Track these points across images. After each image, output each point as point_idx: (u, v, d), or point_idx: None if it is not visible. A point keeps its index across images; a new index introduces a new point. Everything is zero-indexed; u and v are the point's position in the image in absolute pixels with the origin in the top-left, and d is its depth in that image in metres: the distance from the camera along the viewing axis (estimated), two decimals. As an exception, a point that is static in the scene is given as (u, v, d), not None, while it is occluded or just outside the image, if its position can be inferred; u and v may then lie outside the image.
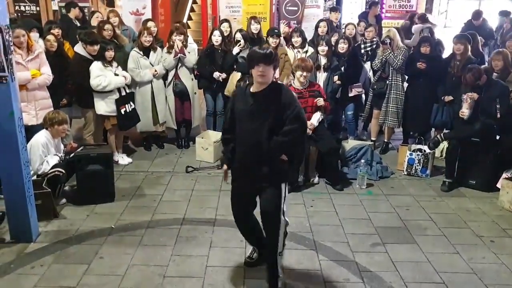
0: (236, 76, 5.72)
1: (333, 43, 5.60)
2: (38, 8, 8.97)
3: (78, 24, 6.61)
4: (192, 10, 11.91)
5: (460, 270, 3.40)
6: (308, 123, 4.66)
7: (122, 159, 5.44)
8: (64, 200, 4.37)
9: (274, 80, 3.04)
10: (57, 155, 4.34)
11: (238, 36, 5.79)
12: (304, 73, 4.59)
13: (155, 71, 5.54)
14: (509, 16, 8.70)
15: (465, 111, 4.74)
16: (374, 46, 6.00)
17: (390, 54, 5.48)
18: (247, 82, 5.37)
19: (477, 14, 8.29)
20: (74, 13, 6.77)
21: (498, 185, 4.64)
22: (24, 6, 8.81)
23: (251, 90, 2.96)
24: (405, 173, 5.23)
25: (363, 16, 8.84)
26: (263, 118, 2.86)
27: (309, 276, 3.29)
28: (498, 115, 4.61)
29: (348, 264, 3.44)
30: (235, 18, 8.55)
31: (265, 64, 2.80)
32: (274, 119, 2.85)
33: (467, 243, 3.78)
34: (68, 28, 6.16)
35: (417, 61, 5.40)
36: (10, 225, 3.68)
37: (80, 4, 8.89)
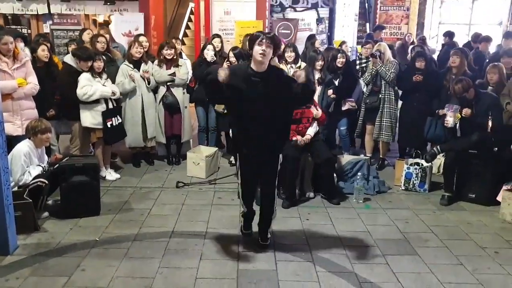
0: None
1: (328, 58, 5.51)
2: (29, 31, 8.95)
3: None
4: (185, 35, 11.98)
5: (465, 280, 3.21)
6: (304, 137, 4.59)
7: (110, 174, 5.23)
8: (46, 214, 4.13)
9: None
10: (40, 165, 4.14)
11: (231, 55, 5.68)
12: None
13: (146, 72, 5.33)
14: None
15: (449, 120, 4.69)
16: (369, 62, 5.95)
17: (382, 68, 5.44)
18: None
19: (477, 37, 7.98)
20: None
21: (498, 198, 4.50)
22: (19, 29, 8.76)
23: (255, 69, 3.09)
24: (403, 188, 5.08)
25: (369, 37, 9.00)
26: (275, 95, 3.08)
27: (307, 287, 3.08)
28: (489, 129, 4.51)
29: (347, 276, 3.24)
30: (228, 41, 8.55)
31: (267, 42, 2.95)
32: (285, 95, 3.11)
33: (471, 254, 3.60)
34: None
35: (412, 76, 5.36)
36: (-14, 236, 3.45)
37: (73, 28, 8.99)
